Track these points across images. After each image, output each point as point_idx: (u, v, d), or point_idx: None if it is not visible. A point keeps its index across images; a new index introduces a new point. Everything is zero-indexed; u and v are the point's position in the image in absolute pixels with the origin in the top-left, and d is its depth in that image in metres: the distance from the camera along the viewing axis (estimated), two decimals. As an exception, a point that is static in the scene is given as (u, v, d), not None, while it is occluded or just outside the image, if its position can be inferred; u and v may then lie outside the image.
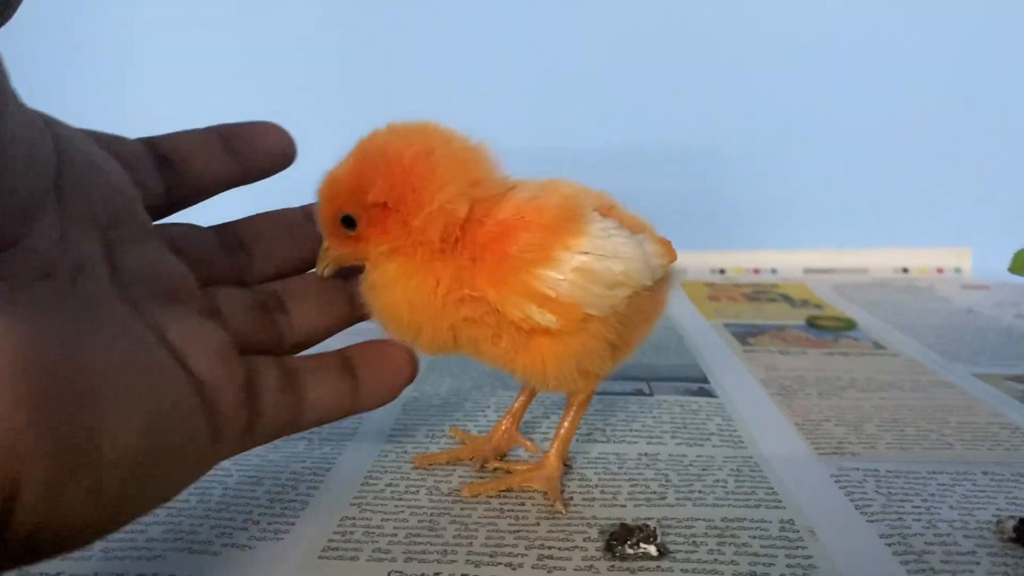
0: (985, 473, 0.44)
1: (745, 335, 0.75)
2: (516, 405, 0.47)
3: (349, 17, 1.05)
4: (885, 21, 1.02)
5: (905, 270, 1.03)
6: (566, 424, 0.43)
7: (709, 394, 0.57)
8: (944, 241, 1.04)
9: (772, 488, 0.42)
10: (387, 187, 0.35)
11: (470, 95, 1.03)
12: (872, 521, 0.38)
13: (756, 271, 1.05)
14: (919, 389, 0.59)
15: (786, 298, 0.91)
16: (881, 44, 1.03)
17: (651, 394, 0.57)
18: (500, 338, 0.36)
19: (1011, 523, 0.37)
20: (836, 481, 0.43)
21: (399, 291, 0.35)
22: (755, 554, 0.36)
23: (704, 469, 0.44)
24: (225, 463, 0.45)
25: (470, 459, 0.45)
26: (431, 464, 0.45)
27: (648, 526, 0.36)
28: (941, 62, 1.02)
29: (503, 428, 0.46)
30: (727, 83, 1.05)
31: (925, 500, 0.41)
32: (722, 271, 1.05)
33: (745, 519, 0.39)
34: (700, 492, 0.42)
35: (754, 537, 0.37)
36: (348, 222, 0.36)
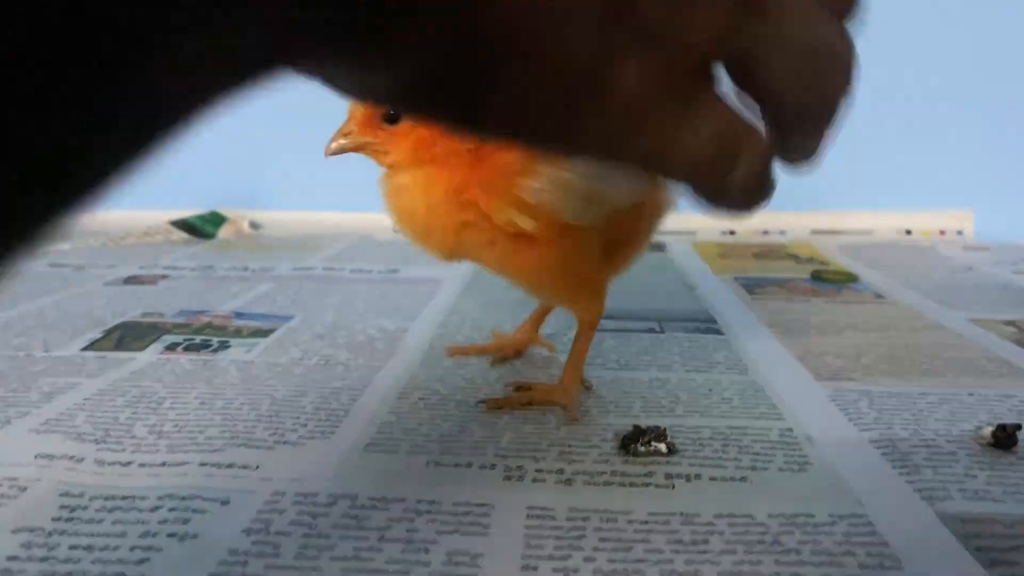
0: (971, 395, 0.48)
1: (753, 286, 0.78)
2: (536, 311, 0.53)
3: None
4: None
5: (908, 232, 1.06)
6: (574, 348, 0.46)
7: (717, 332, 0.61)
8: (947, 204, 1.06)
9: (774, 404, 0.46)
10: None
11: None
12: (864, 430, 0.42)
13: (765, 232, 1.08)
14: (916, 331, 0.62)
15: (793, 256, 0.94)
16: (884, 8, 1.05)
17: (662, 332, 0.61)
18: (494, 245, 0.41)
19: (989, 429, 0.40)
20: (832, 400, 0.47)
21: (421, 196, 0.40)
22: (756, 454, 0.39)
23: (711, 390, 0.48)
24: (272, 379, 0.49)
25: (496, 352, 0.52)
26: (463, 354, 0.52)
27: (659, 428, 0.40)
28: (945, 25, 1.05)
29: (524, 328, 0.52)
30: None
31: (914, 415, 0.44)
32: (732, 232, 1.08)
33: (748, 427, 0.42)
34: (706, 406, 0.45)
35: (755, 441, 0.41)
36: (393, 117, 0.40)
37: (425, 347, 0.57)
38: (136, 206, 1.14)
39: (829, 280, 0.81)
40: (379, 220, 1.11)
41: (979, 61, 1.05)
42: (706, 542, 0.32)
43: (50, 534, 0.32)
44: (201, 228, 1.05)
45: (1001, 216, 1.05)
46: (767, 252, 0.97)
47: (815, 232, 1.07)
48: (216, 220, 1.07)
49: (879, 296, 0.74)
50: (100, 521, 0.33)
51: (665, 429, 0.40)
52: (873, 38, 1.03)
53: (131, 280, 0.79)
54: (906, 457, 0.39)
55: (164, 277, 0.80)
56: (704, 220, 1.10)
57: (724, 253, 0.96)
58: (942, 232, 1.06)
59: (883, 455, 0.39)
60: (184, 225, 1.05)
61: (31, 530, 0.32)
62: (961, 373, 0.52)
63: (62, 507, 0.34)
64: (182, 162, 1.10)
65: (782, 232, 1.07)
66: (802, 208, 1.08)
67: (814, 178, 1.08)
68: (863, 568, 0.30)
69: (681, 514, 0.34)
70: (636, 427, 0.40)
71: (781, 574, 0.29)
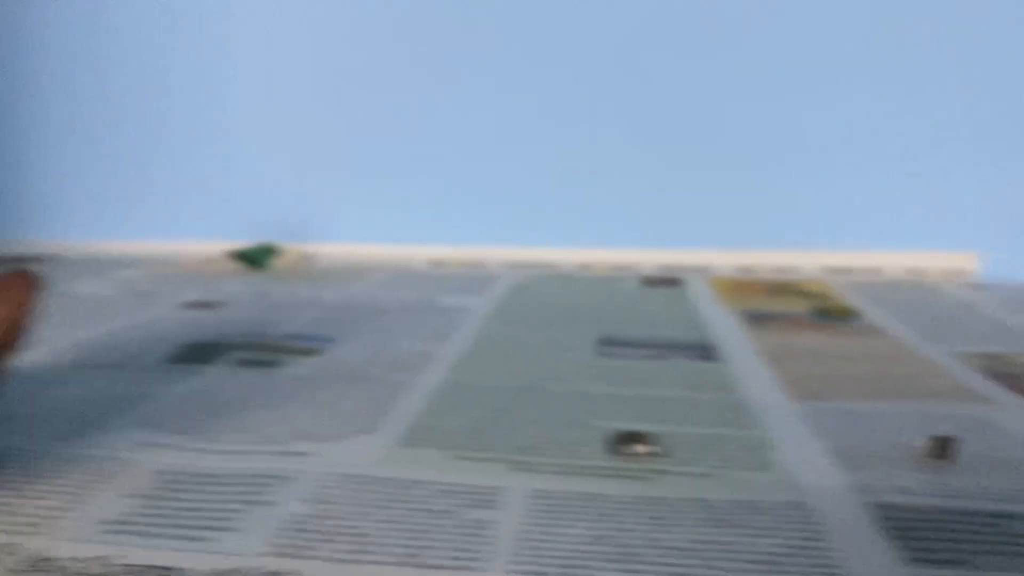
0: (918, 412, 0.55)
1: (757, 319, 0.85)
2: None
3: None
4: (891, 27, 1.12)
5: (915, 271, 1.12)
6: None
7: (711, 359, 0.68)
8: (953, 245, 1.13)
9: (747, 418, 0.53)
10: None
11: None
12: (820, 439, 0.50)
13: (781, 270, 1.15)
14: (898, 360, 0.69)
15: (803, 293, 1.01)
16: (889, 52, 1.12)
17: (663, 358, 0.69)
18: None
19: (926, 441, 0.47)
20: (801, 415, 0.54)
21: None
22: (726, 456, 0.47)
23: (694, 407, 0.56)
24: (320, 390, 0.58)
25: None
26: None
27: (641, 432, 0.48)
28: (948, 69, 1.11)
29: None
30: (755, 94, 1.16)
31: (864, 428, 0.52)
32: (749, 269, 1.16)
33: (725, 435, 0.50)
34: (686, 417, 0.53)
35: (727, 446, 0.48)
36: None
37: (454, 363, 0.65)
38: (195, 237, 1.25)
39: (831, 315, 0.88)
40: (417, 252, 1.21)
41: (980, 106, 1.12)
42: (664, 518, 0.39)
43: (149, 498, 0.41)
44: (256, 259, 1.15)
45: (1006, 259, 1.11)
46: (779, 289, 1.04)
47: (827, 270, 1.14)
48: (270, 251, 1.17)
49: (874, 330, 0.81)
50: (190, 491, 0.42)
51: (646, 433, 0.48)
52: (880, 87, 1.10)
53: (194, 305, 0.89)
54: (851, 461, 0.46)
55: (223, 304, 0.90)
56: (720, 256, 1.17)
57: (737, 288, 1.04)
58: (947, 272, 1.12)
59: (828, 452, 0.47)
60: (240, 256, 1.15)
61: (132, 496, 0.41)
62: (923, 396, 0.59)
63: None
64: (239, 195, 1.23)
65: (796, 269, 1.14)
66: (816, 248, 1.15)
67: (829, 220, 1.15)
68: (794, 538, 0.37)
69: (652, 498, 0.41)
70: (623, 432, 0.48)
71: (720, 540, 0.37)
